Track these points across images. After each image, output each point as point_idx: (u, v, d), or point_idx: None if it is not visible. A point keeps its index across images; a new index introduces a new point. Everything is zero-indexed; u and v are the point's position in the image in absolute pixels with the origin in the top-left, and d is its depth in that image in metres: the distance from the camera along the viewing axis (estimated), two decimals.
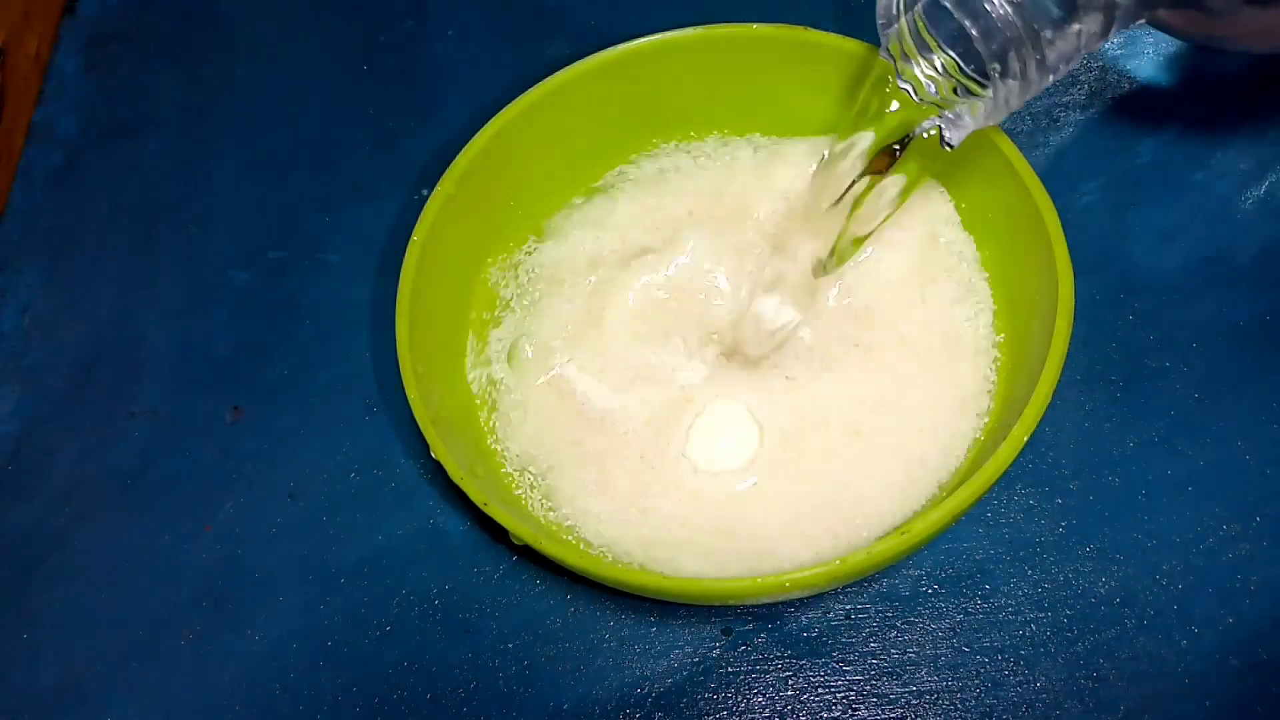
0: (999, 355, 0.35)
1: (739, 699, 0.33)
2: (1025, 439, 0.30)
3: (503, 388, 0.36)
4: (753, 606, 0.34)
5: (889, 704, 0.32)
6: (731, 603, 0.33)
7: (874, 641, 0.33)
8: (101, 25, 0.50)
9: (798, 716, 0.32)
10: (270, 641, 0.35)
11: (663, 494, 0.33)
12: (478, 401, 0.36)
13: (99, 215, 0.45)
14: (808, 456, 0.33)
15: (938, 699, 0.32)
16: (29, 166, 0.46)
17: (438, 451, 0.32)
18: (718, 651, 0.33)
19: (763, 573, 0.30)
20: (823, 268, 0.32)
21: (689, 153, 0.40)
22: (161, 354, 0.41)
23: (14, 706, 0.35)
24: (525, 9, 0.47)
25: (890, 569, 0.34)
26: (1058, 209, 0.33)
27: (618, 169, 0.40)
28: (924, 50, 0.28)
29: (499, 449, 0.35)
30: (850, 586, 0.34)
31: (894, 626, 0.33)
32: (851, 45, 0.37)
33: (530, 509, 0.34)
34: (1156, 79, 0.42)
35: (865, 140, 0.30)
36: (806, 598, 0.34)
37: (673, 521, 0.33)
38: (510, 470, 0.35)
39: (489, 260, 0.39)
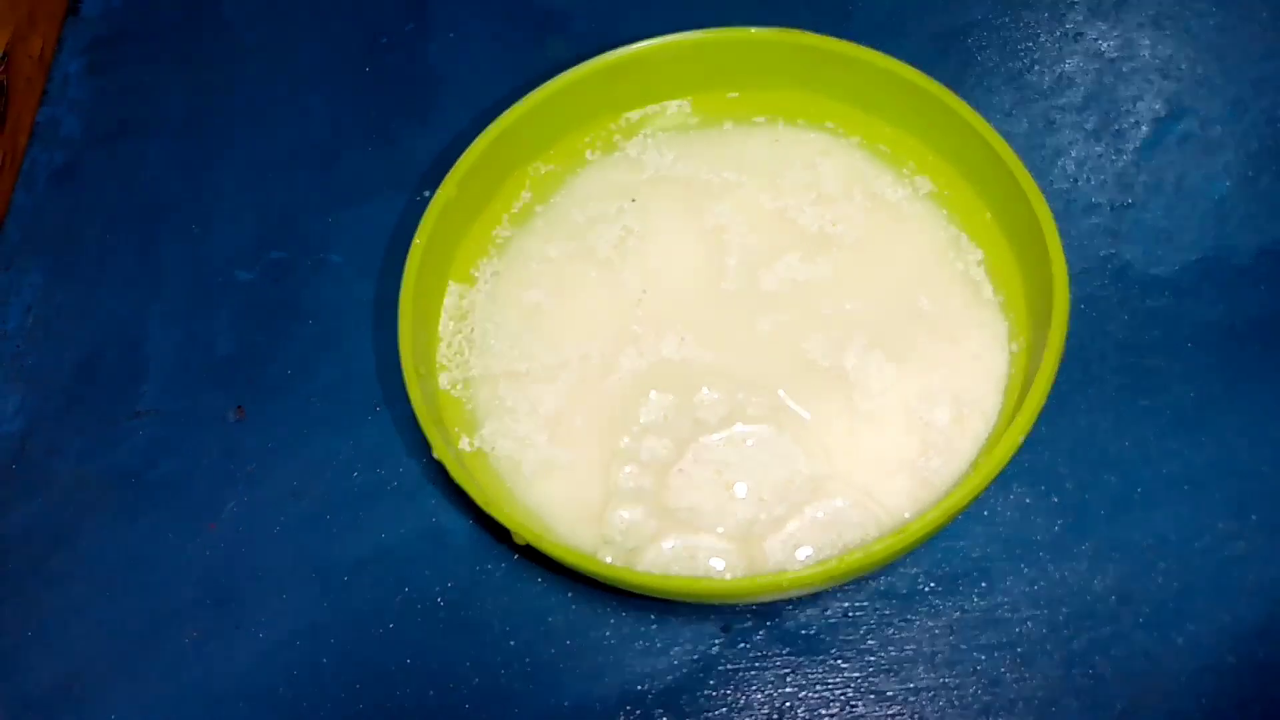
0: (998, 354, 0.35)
1: (738, 696, 0.33)
2: (1022, 438, 0.30)
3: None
4: (751, 604, 0.34)
5: (886, 701, 0.32)
6: (730, 601, 0.33)
7: (872, 639, 0.33)
8: (105, 26, 0.50)
9: (796, 713, 0.33)
10: (273, 640, 0.35)
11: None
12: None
13: (102, 215, 0.45)
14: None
15: (935, 696, 0.32)
16: (32, 167, 0.46)
17: (440, 452, 0.32)
18: (717, 649, 0.34)
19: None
20: None
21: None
22: (164, 354, 0.41)
23: (18, 705, 0.35)
24: (526, 11, 0.48)
25: (888, 567, 0.34)
26: (1054, 211, 0.33)
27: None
28: None
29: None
30: (848, 585, 0.34)
31: (892, 624, 0.33)
32: (850, 49, 0.38)
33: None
34: (1153, 81, 0.43)
35: None
36: (805, 596, 0.34)
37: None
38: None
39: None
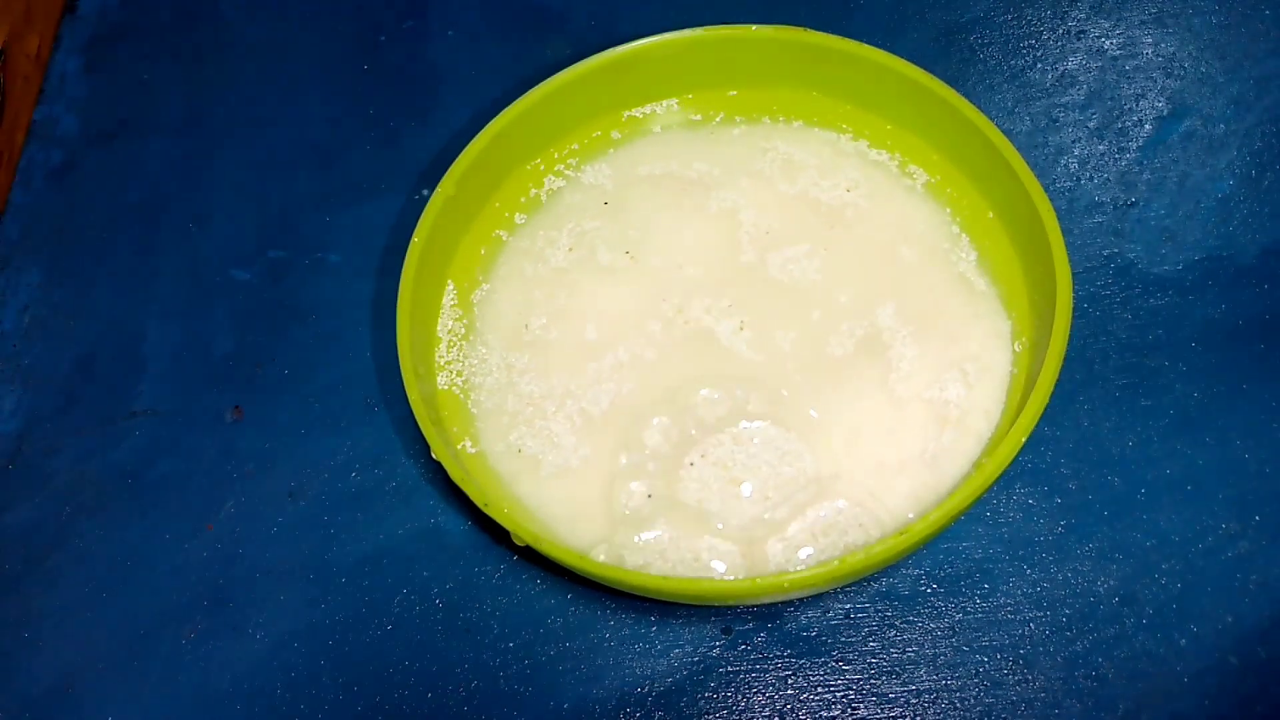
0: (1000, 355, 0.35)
1: (739, 698, 0.33)
2: (1024, 439, 0.30)
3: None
4: (752, 606, 0.34)
5: (888, 703, 0.32)
6: (731, 603, 0.33)
7: (873, 641, 0.33)
8: (102, 25, 0.50)
9: (797, 715, 0.32)
10: (271, 641, 0.35)
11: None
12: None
13: (99, 214, 0.45)
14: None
15: (937, 698, 0.32)
16: (29, 165, 0.46)
17: (438, 452, 0.32)
18: (717, 651, 0.33)
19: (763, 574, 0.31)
20: None
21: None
22: (162, 353, 0.41)
23: (14, 706, 0.35)
24: (525, 9, 0.47)
25: (890, 568, 0.34)
26: (1057, 210, 0.33)
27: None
28: None
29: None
30: (850, 586, 0.34)
31: (893, 626, 0.33)
32: (851, 46, 0.37)
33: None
34: (1156, 79, 0.42)
35: None
36: (806, 597, 0.34)
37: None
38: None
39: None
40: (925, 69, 0.37)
